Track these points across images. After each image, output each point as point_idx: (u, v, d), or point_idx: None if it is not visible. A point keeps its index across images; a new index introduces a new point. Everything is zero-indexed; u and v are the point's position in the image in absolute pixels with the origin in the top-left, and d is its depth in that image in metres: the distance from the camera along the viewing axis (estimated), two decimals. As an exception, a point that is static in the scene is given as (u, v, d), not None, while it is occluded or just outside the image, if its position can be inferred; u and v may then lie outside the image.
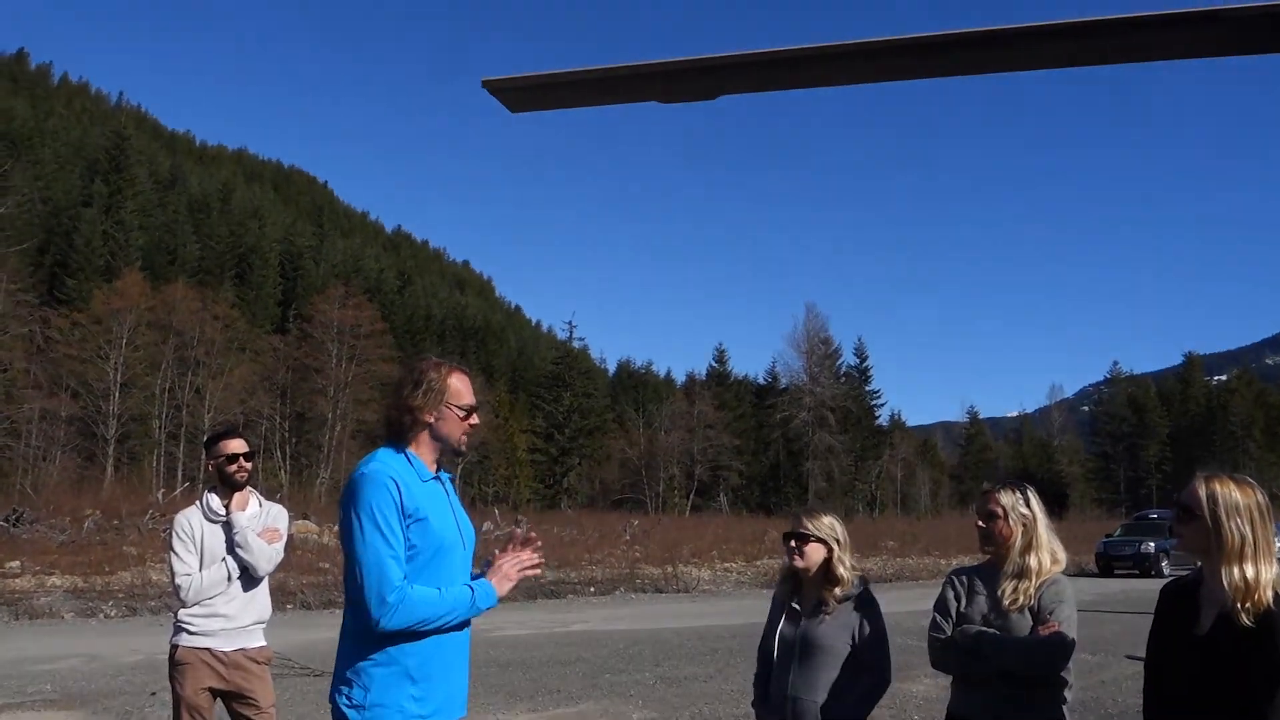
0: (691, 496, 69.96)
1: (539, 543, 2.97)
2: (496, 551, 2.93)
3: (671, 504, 67.48)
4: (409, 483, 2.75)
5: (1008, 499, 3.31)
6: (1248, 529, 2.56)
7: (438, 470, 2.92)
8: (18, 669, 10.37)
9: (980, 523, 3.36)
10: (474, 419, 2.94)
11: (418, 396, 2.84)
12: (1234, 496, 2.59)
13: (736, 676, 9.84)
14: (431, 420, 2.85)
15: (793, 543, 3.53)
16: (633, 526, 36.58)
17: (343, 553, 2.77)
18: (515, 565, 2.88)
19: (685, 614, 17.36)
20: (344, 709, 2.68)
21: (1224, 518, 2.57)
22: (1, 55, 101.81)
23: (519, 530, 3.02)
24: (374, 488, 2.69)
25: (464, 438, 2.93)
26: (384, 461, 2.79)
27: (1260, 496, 2.61)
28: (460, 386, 2.91)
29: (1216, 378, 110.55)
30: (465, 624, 2.87)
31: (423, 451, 2.87)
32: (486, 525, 32.90)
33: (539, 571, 2.94)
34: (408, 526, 2.70)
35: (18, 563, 19.24)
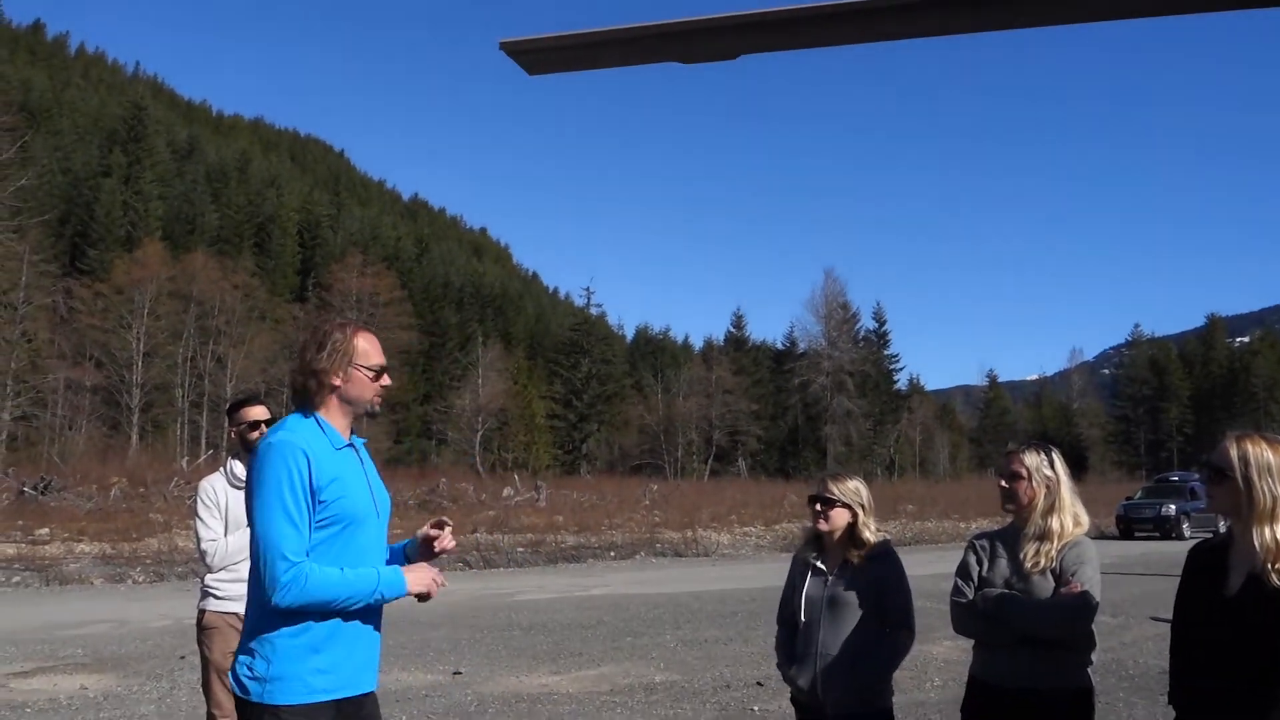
0: (710, 461, 70.15)
1: (449, 545, 2.87)
2: (422, 533, 2.86)
3: (690, 469, 67.72)
4: (319, 453, 2.63)
5: (1032, 460, 3.28)
6: (1279, 489, 2.53)
7: (351, 435, 2.81)
8: (49, 633, 10.56)
9: (1003, 483, 3.34)
10: (385, 379, 2.81)
11: (322, 359, 2.71)
12: (1266, 456, 2.56)
13: (757, 639, 9.91)
14: (339, 383, 2.73)
15: (818, 506, 3.54)
16: (652, 491, 36.72)
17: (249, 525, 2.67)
18: (432, 574, 2.76)
19: (705, 578, 17.45)
20: (245, 680, 2.58)
21: (1255, 478, 2.55)
22: (18, 27, 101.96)
23: (435, 532, 2.88)
24: (280, 459, 2.57)
25: (376, 399, 2.80)
26: (293, 430, 2.66)
27: None
28: (367, 346, 2.77)
29: (1239, 339, 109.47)
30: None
31: (334, 417, 2.75)
32: (507, 491, 33.18)
33: (437, 585, 2.78)
34: (320, 499, 2.60)
35: (47, 530, 19.56)
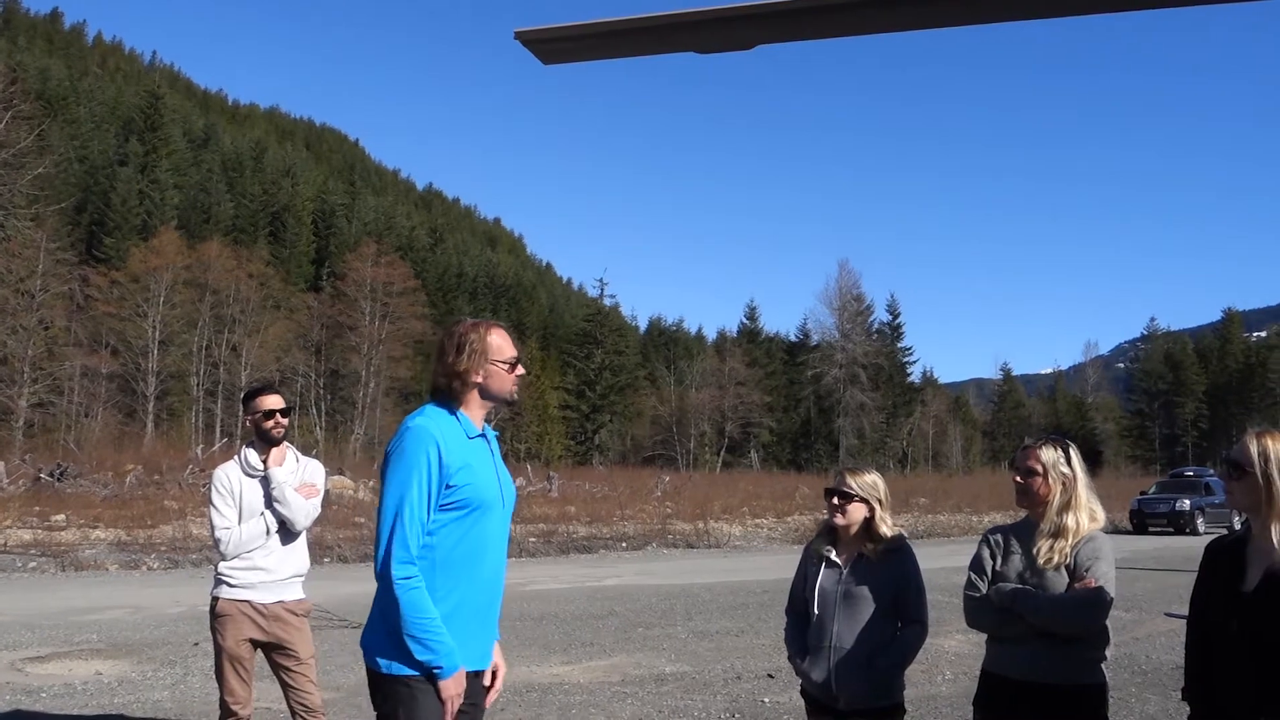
0: (722, 453, 70.21)
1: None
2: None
3: (702, 460, 67.76)
4: (452, 440, 2.79)
5: (1049, 456, 3.24)
6: None
7: (484, 426, 2.98)
8: (65, 619, 10.64)
9: (1018, 479, 3.30)
10: (519, 370, 3.01)
11: (463, 360, 2.89)
12: None
13: (768, 631, 9.91)
14: (480, 380, 2.91)
15: (835, 499, 3.52)
16: (664, 483, 36.74)
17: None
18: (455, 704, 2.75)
19: (717, 569, 17.46)
20: (374, 653, 2.76)
21: (1275, 474, 2.53)
22: (36, 15, 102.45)
23: None
24: (416, 444, 2.75)
25: (514, 389, 3.01)
26: (430, 417, 2.83)
27: None
28: (500, 342, 2.95)
29: (1256, 334, 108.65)
30: (499, 576, 2.92)
31: (472, 410, 2.93)
32: (519, 481, 33.26)
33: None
34: (449, 484, 2.75)
35: (63, 516, 19.70)
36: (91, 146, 69.69)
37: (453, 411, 2.88)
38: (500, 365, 2.94)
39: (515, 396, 3.04)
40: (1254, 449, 2.58)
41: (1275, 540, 2.51)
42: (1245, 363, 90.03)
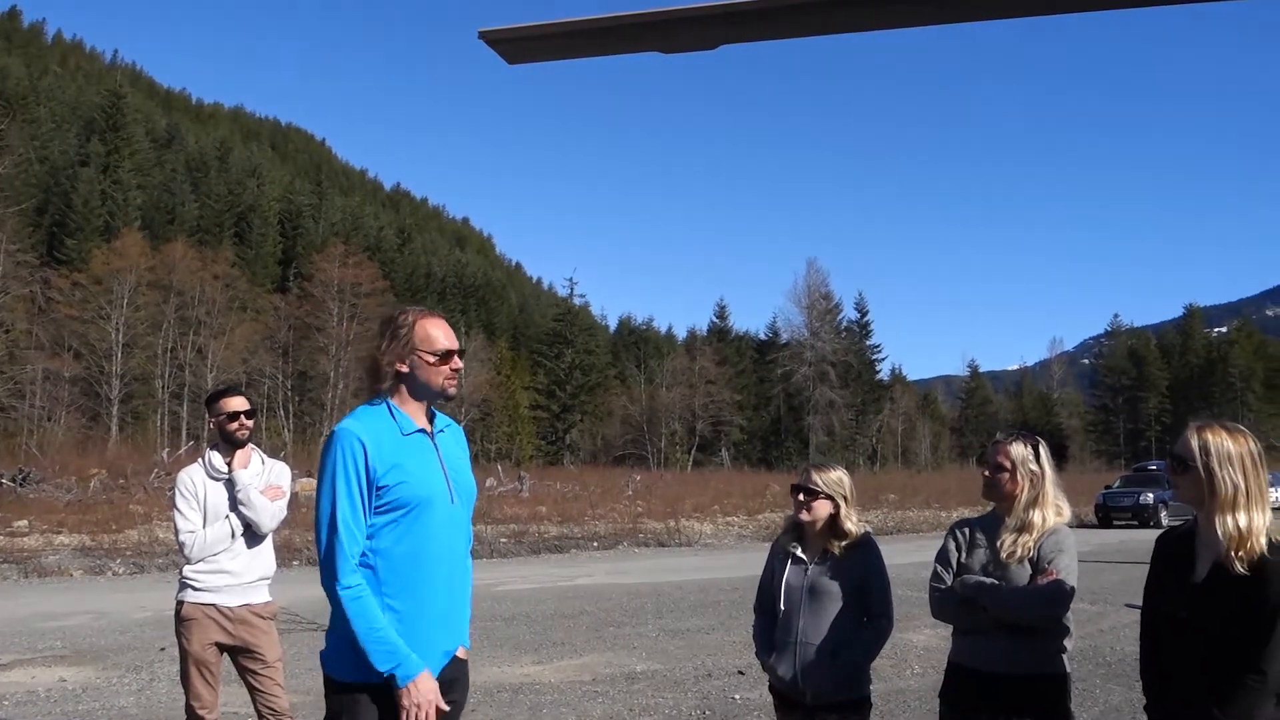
0: (693, 452, 70.32)
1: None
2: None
3: (673, 459, 67.82)
4: (381, 440, 2.66)
5: (1018, 452, 3.28)
6: (1240, 478, 2.56)
7: (432, 420, 2.83)
8: (28, 625, 10.48)
9: (986, 473, 3.34)
10: (455, 362, 2.80)
11: (384, 347, 2.75)
12: (1226, 446, 2.59)
13: (739, 628, 9.94)
14: (404, 370, 2.75)
15: (801, 496, 3.55)
16: (635, 482, 36.76)
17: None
18: (434, 702, 2.62)
19: (687, 568, 17.49)
20: (335, 662, 2.67)
21: (1216, 467, 2.58)
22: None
23: None
24: (341, 448, 2.64)
25: (447, 384, 2.80)
26: (357, 418, 2.71)
27: (1252, 445, 2.61)
28: (433, 332, 2.77)
29: (1217, 330, 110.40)
30: (460, 575, 2.82)
31: (405, 403, 2.77)
32: (490, 481, 33.13)
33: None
34: (378, 486, 2.63)
35: (26, 522, 19.40)
36: (52, 147, 68.60)
37: (387, 406, 2.73)
38: (427, 355, 2.75)
39: (451, 392, 2.82)
40: (1195, 443, 2.62)
41: (1220, 533, 2.56)
42: (1207, 358, 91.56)
